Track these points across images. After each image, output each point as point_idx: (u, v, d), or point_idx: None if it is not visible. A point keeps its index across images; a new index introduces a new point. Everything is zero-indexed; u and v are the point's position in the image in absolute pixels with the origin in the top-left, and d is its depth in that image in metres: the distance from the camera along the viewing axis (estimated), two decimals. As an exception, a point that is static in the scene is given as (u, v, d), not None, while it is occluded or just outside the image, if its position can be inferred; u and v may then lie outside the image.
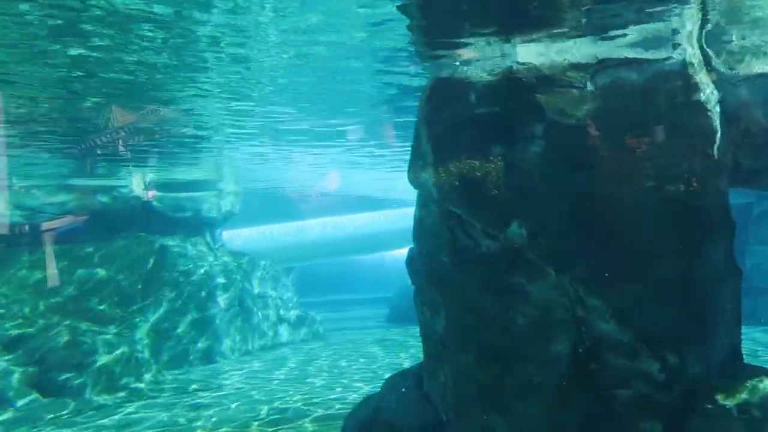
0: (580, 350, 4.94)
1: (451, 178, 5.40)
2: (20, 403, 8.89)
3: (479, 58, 6.03)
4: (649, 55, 5.25)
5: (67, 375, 9.42)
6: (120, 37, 5.73)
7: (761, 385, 4.82)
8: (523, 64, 5.60)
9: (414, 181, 5.89)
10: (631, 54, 5.31)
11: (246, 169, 15.91)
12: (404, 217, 18.95)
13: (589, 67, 5.27)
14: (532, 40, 5.63)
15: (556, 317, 5.02)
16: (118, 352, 10.09)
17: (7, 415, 8.67)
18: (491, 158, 5.31)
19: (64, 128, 9.68)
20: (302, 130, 11.42)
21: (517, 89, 5.41)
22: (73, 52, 6.12)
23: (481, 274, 5.15)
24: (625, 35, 5.37)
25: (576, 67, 5.30)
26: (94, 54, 6.19)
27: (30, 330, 9.56)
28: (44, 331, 9.64)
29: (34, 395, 9.07)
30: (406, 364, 11.20)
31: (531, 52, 5.73)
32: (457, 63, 6.05)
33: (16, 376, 9.08)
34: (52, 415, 8.83)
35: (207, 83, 7.69)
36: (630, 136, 5.10)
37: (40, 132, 9.68)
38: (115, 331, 10.79)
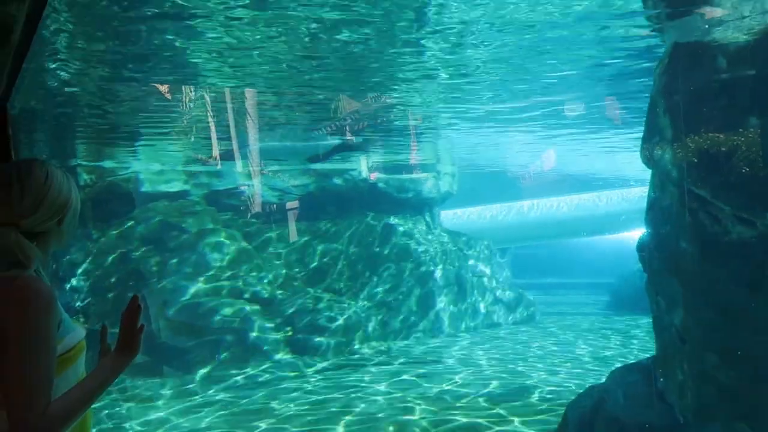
0: None
1: (694, 154, 4.82)
2: (276, 356, 10.42)
3: (731, 17, 5.24)
4: None
5: (311, 336, 10.78)
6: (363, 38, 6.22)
7: None
8: (793, 17, 4.73)
9: (648, 159, 5.39)
10: None
11: (462, 150, 16.17)
12: (629, 198, 17.50)
13: None
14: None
15: (832, 319, 4.21)
16: (351, 320, 11.21)
17: (266, 365, 10.23)
18: (746, 131, 4.61)
19: (301, 118, 10.87)
20: (517, 109, 11.18)
21: (784, 48, 4.59)
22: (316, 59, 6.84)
23: (730, 265, 4.53)
24: None
25: None
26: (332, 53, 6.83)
27: (282, 295, 11.12)
28: (293, 297, 11.14)
29: (286, 351, 10.57)
30: (631, 356, 10.43)
31: (804, 2, 4.80)
32: (704, 24, 5.33)
33: (273, 334, 10.66)
34: (301, 370, 10.17)
35: (425, 70, 7.94)
36: None
37: (282, 123, 11.01)
38: (348, 300, 11.96)
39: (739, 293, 4.54)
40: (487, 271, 15.28)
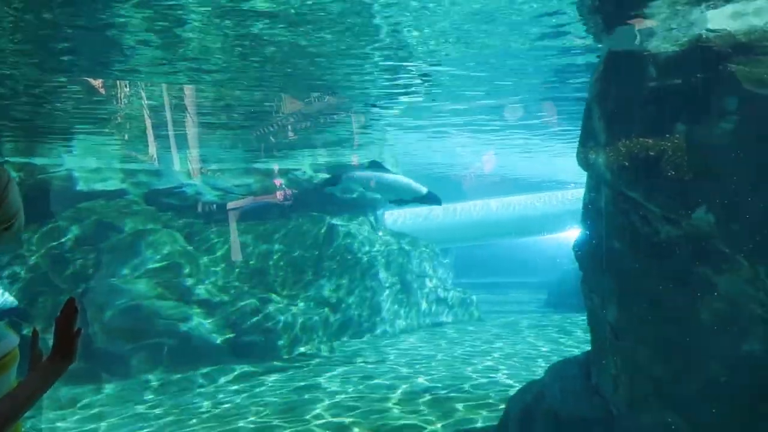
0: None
1: (626, 158, 5.06)
2: (218, 359, 10.19)
3: (661, 28, 5.53)
4: None
5: (255, 338, 10.61)
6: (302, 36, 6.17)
7: None
8: (715, 31, 5.03)
9: (584, 162, 5.61)
10: None
11: (406, 152, 16.31)
12: (565, 200, 18.12)
13: (799, 30, 4.58)
14: (728, 1, 5.04)
15: (748, 313, 4.51)
16: (295, 321, 11.09)
17: (209, 368, 9.99)
18: (672, 136, 4.88)
19: (242, 116, 10.68)
20: (460, 111, 11.40)
21: (707, 60, 4.88)
22: (267, 52, 6.75)
23: (659, 263, 4.79)
24: None
25: (781, 30, 4.64)
26: (279, 49, 6.75)
27: (224, 297, 10.88)
28: (235, 299, 10.91)
29: (229, 353, 10.36)
30: (568, 352, 10.83)
31: (724, 16, 5.12)
32: (636, 34, 5.61)
33: (215, 336, 10.41)
34: (244, 373, 9.98)
35: (369, 70, 7.97)
36: None
37: (224, 120, 10.79)
38: (292, 302, 11.83)
39: (668, 290, 4.80)
40: (430, 271, 15.49)
